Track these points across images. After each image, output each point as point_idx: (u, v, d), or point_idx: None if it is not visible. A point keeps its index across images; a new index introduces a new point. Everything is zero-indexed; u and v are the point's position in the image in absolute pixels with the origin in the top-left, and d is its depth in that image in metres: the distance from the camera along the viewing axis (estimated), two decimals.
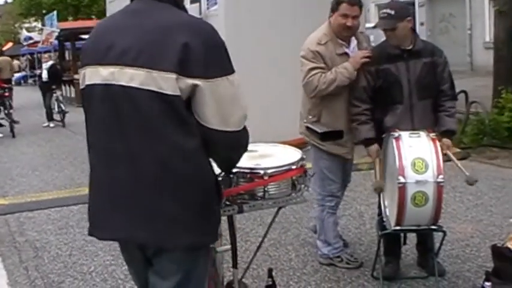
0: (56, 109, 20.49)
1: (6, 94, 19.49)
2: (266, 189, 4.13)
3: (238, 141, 3.22)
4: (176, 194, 3.06)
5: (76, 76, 27.42)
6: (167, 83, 2.96)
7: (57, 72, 21.73)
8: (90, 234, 3.36)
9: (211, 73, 3.00)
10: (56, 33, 30.37)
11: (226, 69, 3.08)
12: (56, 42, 32.48)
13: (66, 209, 9.41)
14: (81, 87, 3.28)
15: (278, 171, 4.20)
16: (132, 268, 3.52)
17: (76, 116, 20.22)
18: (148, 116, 3.01)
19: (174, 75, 2.95)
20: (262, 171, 4.06)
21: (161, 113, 2.99)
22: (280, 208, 4.59)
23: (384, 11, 5.74)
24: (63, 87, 26.51)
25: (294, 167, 4.30)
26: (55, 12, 32.04)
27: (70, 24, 35.12)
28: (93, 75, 3.14)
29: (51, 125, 20.28)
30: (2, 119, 19.19)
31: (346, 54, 6.11)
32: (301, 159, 4.45)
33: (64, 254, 7.46)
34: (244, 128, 3.19)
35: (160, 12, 3.15)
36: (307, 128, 5.94)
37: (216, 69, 3.02)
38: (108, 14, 20.33)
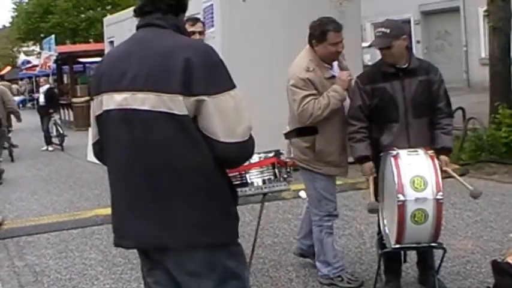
0: (54, 133, 20.47)
1: None
2: (249, 176, 4.27)
3: (245, 151, 3.43)
4: (193, 202, 3.32)
5: (74, 100, 27.48)
6: (175, 104, 3.23)
7: (54, 96, 21.77)
8: (117, 245, 3.65)
9: (213, 90, 3.25)
10: (54, 57, 30.42)
11: (226, 85, 3.33)
12: (54, 65, 32.55)
13: (66, 233, 9.40)
14: (98, 113, 3.53)
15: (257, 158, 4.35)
16: (153, 278, 3.66)
17: (75, 139, 20.27)
18: (160, 135, 3.29)
19: (180, 97, 3.22)
20: None
21: (172, 131, 3.27)
22: (265, 195, 4.67)
23: (379, 29, 5.78)
24: (61, 111, 26.56)
25: (270, 155, 4.43)
26: (53, 36, 32.08)
27: (68, 47, 35.20)
28: (109, 101, 3.42)
29: (50, 148, 20.27)
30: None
31: (333, 77, 6.20)
32: (279, 152, 4.56)
33: (64, 278, 7.43)
34: (251, 137, 3.40)
35: (164, 38, 3.44)
36: (285, 135, 5.90)
37: (216, 86, 3.27)
38: (105, 38, 20.38)
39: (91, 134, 3.78)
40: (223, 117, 3.25)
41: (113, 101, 3.39)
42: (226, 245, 3.48)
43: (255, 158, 4.44)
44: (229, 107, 3.28)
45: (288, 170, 4.66)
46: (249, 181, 4.38)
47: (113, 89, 3.40)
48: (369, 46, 6.08)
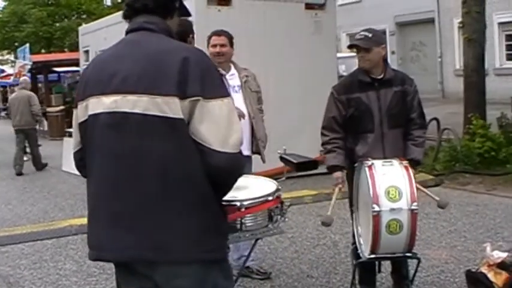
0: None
1: None
2: (243, 221, 4.13)
3: (236, 163, 3.25)
4: (185, 214, 3.14)
5: (49, 109, 27.30)
6: (170, 106, 3.08)
7: None
8: (96, 259, 3.40)
9: (208, 93, 3.11)
10: (29, 66, 30.26)
11: (221, 91, 3.21)
12: (29, 75, 32.36)
13: (40, 243, 9.33)
14: (83, 119, 3.35)
15: (255, 203, 4.21)
16: None
17: (49, 149, 20.10)
18: (152, 141, 3.12)
19: (177, 99, 3.07)
20: (238, 203, 4.08)
21: (165, 136, 3.11)
22: (257, 240, 4.58)
23: (362, 33, 5.81)
24: None
25: (270, 198, 4.31)
26: (27, 45, 31.94)
27: (43, 56, 34.93)
28: (97, 105, 3.24)
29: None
30: None
31: (222, 75, 6.70)
32: (277, 190, 4.46)
33: None
34: (240, 152, 3.24)
35: (157, 40, 3.32)
36: (281, 158, 5.95)
37: (212, 90, 3.14)
38: (80, 47, 20.29)
39: (73, 143, 3.55)
40: (216, 124, 3.11)
41: (102, 104, 3.21)
42: (218, 262, 3.32)
43: (255, 201, 4.29)
44: (223, 114, 3.14)
45: (284, 210, 4.57)
46: (243, 228, 4.19)
47: (102, 92, 3.22)
48: (349, 46, 6.08)
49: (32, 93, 18.43)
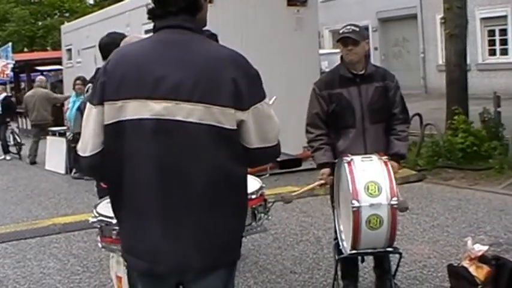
0: (12, 141, 20.26)
1: None
2: None
3: (274, 153, 3.37)
4: (225, 220, 3.17)
5: None
6: (226, 117, 3.07)
7: (11, 105, 21.49)
8: (150, 272, 3.21)
9: (253, 102, 3.15)
10: (11, 65, 30.12)
11: (262, 94, 3.23)
12: (12, 73, 32.22)
13: (24, 242, 9.30)
14: (113, 120, 3.15)
15: None
16: None
17: None
18: (205, 149, 3.08)
19: (232, 110, 3.07)
20: None
21: (218, 145, 3.09)
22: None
23: (348, 26, 5.81)
24: (18, 119, 26.27)
25: (253, 196, 4.30)
26: (10, 44, 31.76)
27: (25, 55, 34.87)
28: (141, 109, 3.09)
29: (8, 157, 20.02)
30: None
31: None
32: (260, 188, 4.45)
33: (22, 287, 7.36)
34: (278, 141, 3.36)
35: (201, 44, 3.23)
36: None
37: (256, 97, 3.18)
38: (63, 45, 20.20)
39: (88, 144, 3.24)
40: (260, 127, 3.18)
41: (148, 109, 3.06)
42: (236, 262, 3.40)
43: None
44: (265, 116, 3.20)
45: (267, 208, 4.58)
46: None
47: (148, 96, 3.06)
48: (338, 40, 6.01)
49: (49, 91, 20.45)
